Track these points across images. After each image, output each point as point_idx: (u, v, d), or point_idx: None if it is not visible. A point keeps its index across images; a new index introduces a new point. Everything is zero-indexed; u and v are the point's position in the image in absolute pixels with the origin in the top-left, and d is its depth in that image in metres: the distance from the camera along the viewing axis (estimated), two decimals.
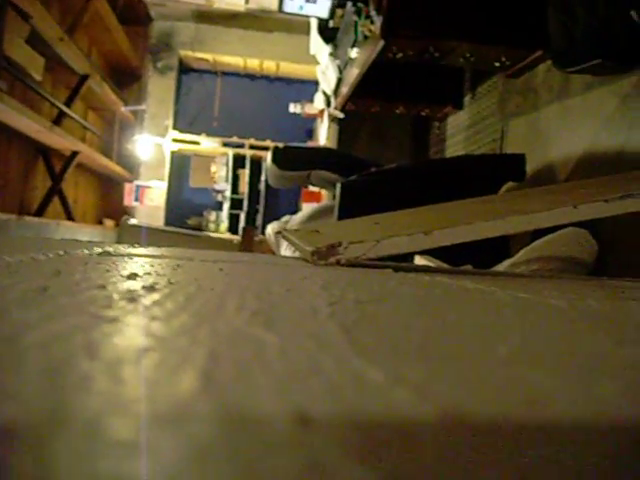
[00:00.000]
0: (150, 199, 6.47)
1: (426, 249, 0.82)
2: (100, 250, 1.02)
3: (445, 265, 1.95)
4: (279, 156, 3.82)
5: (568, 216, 0.83)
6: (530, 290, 0.77)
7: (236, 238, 2.46)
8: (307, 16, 4.60)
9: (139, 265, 0.79)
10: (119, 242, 2.08)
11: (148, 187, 6.48)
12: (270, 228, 3.60)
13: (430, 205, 1.20)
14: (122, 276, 0.61)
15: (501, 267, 2.01)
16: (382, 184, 2.80)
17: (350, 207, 2.75)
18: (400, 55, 3.61)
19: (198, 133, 6.64)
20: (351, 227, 1.07)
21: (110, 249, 1.07)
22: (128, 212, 6.50)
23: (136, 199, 6.41)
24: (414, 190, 2.81)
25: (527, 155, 3.04)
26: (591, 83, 2.95)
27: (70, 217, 4.91)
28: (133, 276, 0.60)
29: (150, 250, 1.17)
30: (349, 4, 3.86)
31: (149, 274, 0.65)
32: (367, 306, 0.51)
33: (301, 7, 4.43)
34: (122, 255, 1.00)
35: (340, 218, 2.71)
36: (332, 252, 0.79)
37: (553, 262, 2.01)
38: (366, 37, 3.66)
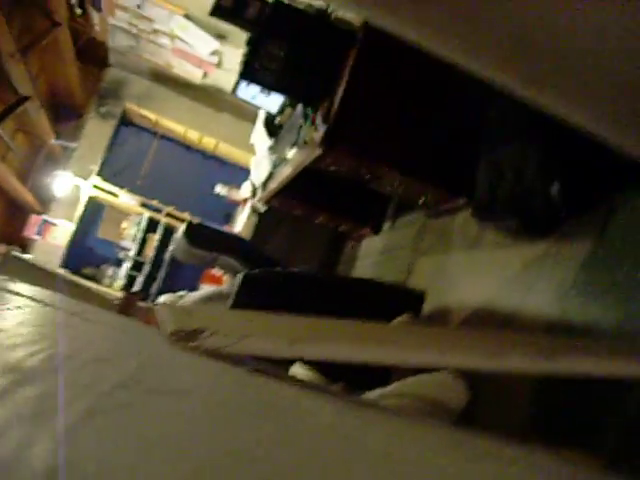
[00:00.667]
0: (53, 237, 6.32)
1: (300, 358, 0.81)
2: None
3: (318, 378, 1.94)
4: (191, 231, 3.81)
5: (434, 360, 0.83)
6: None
7: (118, 298, 2.40)
8: (257, 107, 4.67)
9: None
10: None
11: (54, 224, 6.33)
12: (162, 300, 3.55)
13: (316, 317, 1.19)
14: None
15: (372, 394, 2.00)
16: (282, 285, 2.80)
17: (245, 299, 2.73)
18: (333, 168, 3.68)
19: (120, 186, 6.56)
20: (226, 318, 1.05)
21: None
22: (25, 244, 6.32)
23: (39, 233, 6.23)
24: (310, 299, 2.82)
25: (428, 293, 3.10)
26: (502, 243, 3.06)
27: None
28: None
29: (19, 287, 1.12)
30: (300, 106, 3.94)
31: None
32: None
33: (254, 97, 4.50)
34: None
35: (233, 307, 2.69)
36: (192, 338, 0.77)
37: (420, 402, 2.02)
38: (306, 142, 3.73)
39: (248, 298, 2.76)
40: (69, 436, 0.34)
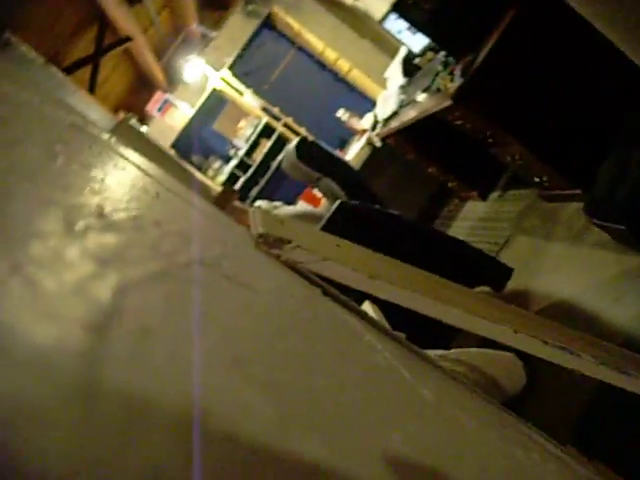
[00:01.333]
0: (172, 117, 6.44)
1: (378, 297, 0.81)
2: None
3: (383, 321, 1.94)
4: (303, 147, 3.82)
5: (504, 337, 0.82)
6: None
7: (217, 191, 2.42)
8: (400, 42, 4.60)
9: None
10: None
11: (175, 106, 6.44)
12: (259, 204, 3.59)
13: (402, 262, 1.18)
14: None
15: (431, 352, 2.00)
16: (377, 223, 2.79)
17: (337, 226, 2.74)
18: (459, 122, 3.62)
19: (247, 86, 6.59)
20: (315, 237, 1.05)
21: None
22: (144, 117, 6.46)
23: (159, 110, 6.36)
24: (401, 244, 2.80)
25: (516, 272, 3.05)
26: (605, 245, 2.97)
27: (91, 90, 4.86)
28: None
29: (128, 153, 1.15)
30: (442, 53, 3.87)
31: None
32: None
33: (400, 31, 4.43)
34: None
35: (323, 231, 2.70)
36: (277, 245, 0.77)
37: (476, 374, 2.01)
38: (439, 90, 3.67)
39: (340, 226, 2.76)
40: (134, 287, 0.35)
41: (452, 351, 2.10)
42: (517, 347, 0.84)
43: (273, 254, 0.76)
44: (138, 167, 1.11)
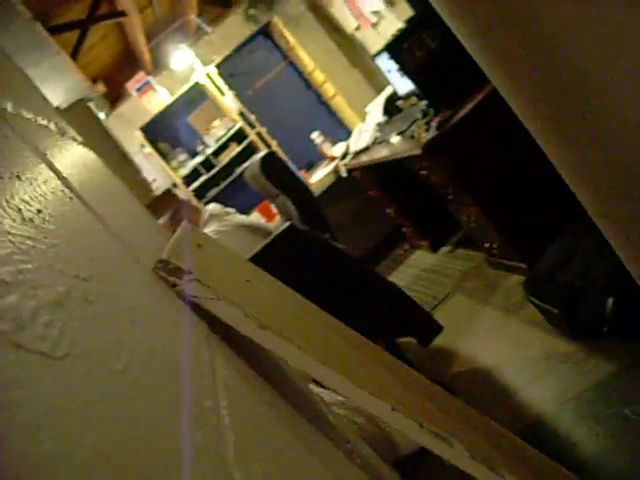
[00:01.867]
0: (149, 100, 6.37)
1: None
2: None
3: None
4: (269, 161, 3.82)
5: (381, 412, 0.81)
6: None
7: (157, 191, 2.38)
8: (388, 81, 4.63)
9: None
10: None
11: (155, 90, 6.38)
12: (212, 207, 3.57)
13: (315, 307, 1.17)
14: None
15: (327, 395, 1.97)
16: (319, 252, 2.80)
17: (280, 247, 2.74)
18: (424, 173, 3.66)
19: (231, 87, 6.57)
20: (228, 267, 1.02)
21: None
22: (121, 93, 6.40)
23: (138, 90, 6.30)
24: (336, 279, 2.81)
25: (446, 330, 3.07)
26: (537, 323, 3.02)
27: (74, 56, 4.80)
28: None
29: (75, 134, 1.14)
30: (424, 102, 3.91)
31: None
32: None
33: (389, 71, 4.46)
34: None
35: (265, 249, 2.70)
36: (176, 274, 0.75)
37: (374, 427, 2.01)
38: (413, 136, 3.70)
39: (283, 248, 2.76)
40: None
41: None
42: (392, 425, 0.83)
43: (169, 282, 0.74)
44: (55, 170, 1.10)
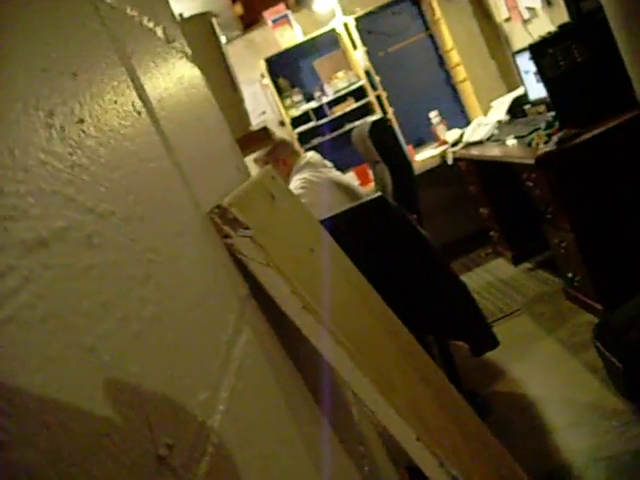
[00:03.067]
0: (281, 34, 6.32)
1: None
2: None
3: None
4: (380, 125, 3.74)
5: (403, 438, 0.74)
6: None
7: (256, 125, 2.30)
8: (521, 82, 4.48)
9: None
10: None
11: (290, 25, 6.32)
12: (311, 154, 3.54)
13: (371, 294, 1.10)
14: None
15: None
16: (400, 232, 2.73)
17: (365, 214, 2.68)
18: (529, 184, 3.53)
19: (364, 43, 6.45)
20: (297, 227, 0.96)
21: None
22: (257, 20, 6.37)
23: (274, 21, 6.25)
24: (409, 264, 2.74)
25: (501, 346, 2.97)
26: (596, 370, 2.89)
27: None
28: None
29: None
30: (551, 113, 3.76)
31: None
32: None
33: (527, 72, 4.31)
34: None
35: (347, 211, 2.65)
36: (231, 224, 0.68)
37: None
38: (530, 144, 3.57)
39: (367, 216, 2.71)
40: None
41: None
42: (410, 454, 0.76)
43: (222, 232, 0.67)
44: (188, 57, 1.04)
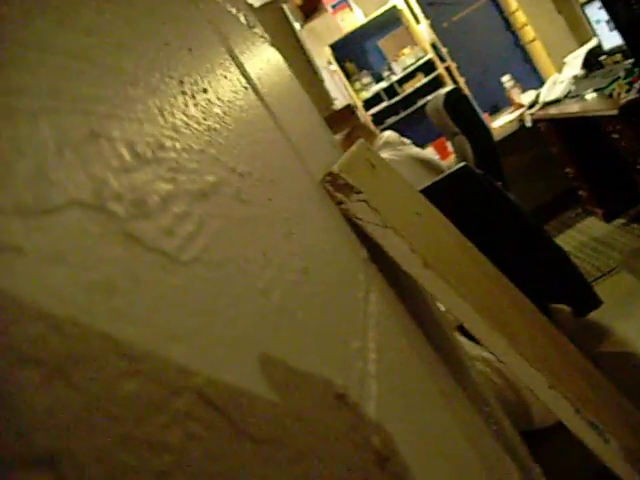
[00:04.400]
0: (342, 18, 6.31)
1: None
2: None
3: None
4: (453, 97, 3.71)
5: (535, 386, 0.73)
6: None
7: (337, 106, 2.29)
8: (595, 33, 4.36)
9: None
10: None
11: (351, 9, 6.32)
12: (388, 133, 3.52)
13: (480, 256, 1.09)
14: None
15: (469, 346, 1.90)
16: (489, 199, 2.69)
17: (451, 186, 2.66)
18: (616, 136, 3.44)
19: (427, 16, 6.39)
20: (400, 195, 0.95)
21: None
22: (316, 7, 6.37)
23: (333, 7, 6.26)
24: (501, 231, 2.71)
25: (603, 306, 2.90)
26: None
27: None
28: None
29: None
30: (630, 60, 3.64)
31: None
32: None
33: (598, 21, 4.19)
34: None
35: (434, 185, 2.63)
36: (344, 191, 0.68)
37: (509, 390, 1.93)
38: (611, 95, 3.47)
39: (454, 188, 2.68)
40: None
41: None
42: (545, 403, 0.75)
43: (336, 198, 0.68)
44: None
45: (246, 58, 0.70)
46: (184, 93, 0.38)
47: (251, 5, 1.88)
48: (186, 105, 0.37)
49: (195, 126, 0.37)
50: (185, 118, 0.36)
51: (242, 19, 0.95)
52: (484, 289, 0.87)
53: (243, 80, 0.58)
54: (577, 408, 0.76)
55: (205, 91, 0.42)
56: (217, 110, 0.42)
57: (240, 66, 0.62)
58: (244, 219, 0.37)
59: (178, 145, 0.33)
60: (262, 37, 1.09)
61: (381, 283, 0.68)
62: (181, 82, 0.39)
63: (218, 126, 0.40)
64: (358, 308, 0.50)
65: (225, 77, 0.52)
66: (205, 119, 0.39)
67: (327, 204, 0.65)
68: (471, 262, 0.98)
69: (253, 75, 0.66)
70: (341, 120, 2.14)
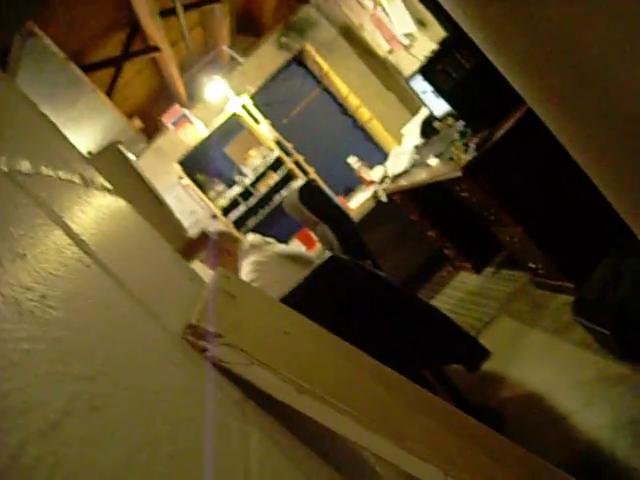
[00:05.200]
0: (185, 133, 6.42)
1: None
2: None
3: None
4: (308, 190, 3.80)
5: (433, 478, 0.76)
6: None
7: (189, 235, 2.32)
8: (423, 103, 4.59)
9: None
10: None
11: (191, 122, 6.42)
12: (251, 237, 3.55)
13: (358, 351, 1.12)
14: None
15: None
16: (361, 282, 2.75)
17: (321, 277, 2.70)
18: (465, 195, 3.60)
19: (266, 117, 6.58)
20: (266, 315, 0.98)
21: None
22: (158, 127, 6.45)
23: (174, 123, 6.34)
24: (379, 310, 2.76)
25: (494, 354, 2.99)
26: (587, 345, 2.93)
27: (109, 94, 4.84)
28: None
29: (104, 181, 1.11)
30: (461, 123, 3.86)
31: None
32: None
33: (424, 92, 4.42)
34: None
35: (306, 281, 2.67)
36: (205, 338, 0.70)
37: None
38: (452, 158, 3.65)
39: (324, 279, 2.73)
40: None
41: None
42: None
43: (199, 347, 0.69)
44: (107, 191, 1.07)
45: (86, 228, 0.71)
46: (21, 313, 0.39)
47: (90, 152, 1.90)
48: (20, 321, 0.38)
49: (38, 347, 0.37)
50: (27, 345, 0.36)
51: (77, 180, 0.96)
52: (364, 391, 0.89)
53: (86, 258, 0.59)
54: None
55: (44, 297, 0.42)
56: (58, 314, 0.43)
57: (80, 243, 0.62)
58: (101, 430, 0.37)
59: (21, 382, 0.33)
60: (102, 189, 1.10)
61: (261, 419, 0.68)
62: (18, 301, 0.39)
63: (63, 333, 0.41)
64: (234, 463, 0.51)
65: (65, 265, 0.52)
66: (46, 332, 0.39)
67: (190, 355, 0.66)
68: (346, 364, 1.00)
69: (95, 245, 0.67)
70: (198, 246, 2.16)
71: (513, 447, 1.18)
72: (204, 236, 2.14)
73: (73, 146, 1.25)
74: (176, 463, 0.42)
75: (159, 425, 0.44)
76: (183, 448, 0.45)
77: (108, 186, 1.18)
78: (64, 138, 1.23)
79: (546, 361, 3.22)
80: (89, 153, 1.82)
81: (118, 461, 0.36)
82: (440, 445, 0.85)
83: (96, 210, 0.88)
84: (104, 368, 0.43)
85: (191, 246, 2.05)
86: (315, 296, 2.65)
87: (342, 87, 6.85)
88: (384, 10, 5.42)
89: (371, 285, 2.79)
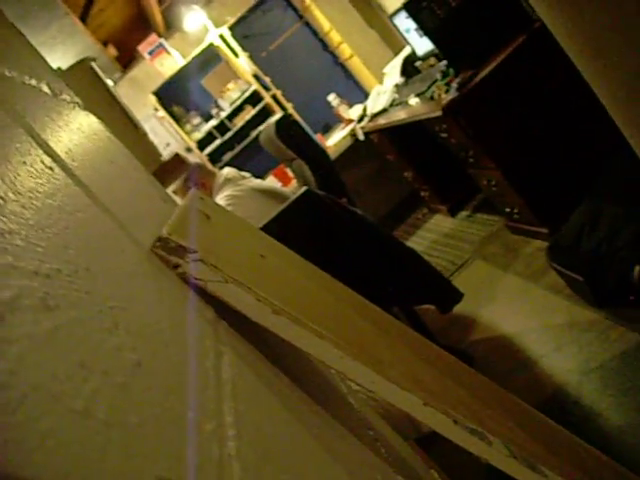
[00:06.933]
0: (161, 63, 6.28)
1: None
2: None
3: None
4: (284, 124, 3.73)
5: (411, 407, 0.73)
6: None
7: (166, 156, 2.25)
8: (407, 41, 4.51)
9: None
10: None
11: (168, 53, 6.28)
12: (227, 170, 3.50)
13: (335, 282, 1.09)
14: None
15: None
16: (336, 217, 2.71)
17: (297, 212, 2.66)
18: (444, 135, 3.56)
19: (244, 49, 6.46)
20: (242, 238, 0.94)
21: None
22: (133, 56, 6.31)
23: (150, 53, 6.20)
24: (353, 245, 2.74)
25: (466, 297, 2.98)
26: (560, 290, 2.94)
27: (83, 19, 4.69)
28: None
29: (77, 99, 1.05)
30: (444, 62, 3.79)
31: None
32: None
33: (407, 30, 4.33)
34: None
35: (281, 215, 2.63)
36: (177, 253, 0.66)
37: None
38: (432, 98, 3.60)
39: (300, 213, 2.69)
40: None
41: None
42: (424, 421, 0.75)
43: (170, 262, 0.65)
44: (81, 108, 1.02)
45: (50, 133, 0.66)
46: None
47: (59, 68, 1.82)
48: None
49: None
50: None
51: (45, 88, 0.90)
52: (342, 319, 0.86)
53: (47, 160, 0.55)
54: (455, 419, 0.76)
55: None
56: (13, 207, 0.39)
57: (43, 145, 0.58)
58: (53, 330, 0.33)
59: None
60: (72, 102, 1.04)
61: (235, 341, 0.65)
62: None
63: (14, 226, 0.37)
64: (208, 383, 0.47)
65: (24, 163, 0.48)
66: None
67: (162, 271, 0.62)
68: (325, 293, 0.97)
69: (60, 151, 0.62)
70: (172, 170, 2.10)
71: (488, 382, 1.17)
72: (177, 158, 2.08)
73: (42, 57, 1.19)
74: (141, 373, 0.38)
75: (122, 334, 0.40)
76: (150, 360, 0.41)
77: (78, 101, 1.13)
78: (32, 47, 1.17)
79: (518, 305, 3.23)
80: (58, 69, 1.75)
81: (72, 363, 0.32)
82: (419, 375, 0.83)
83: (64, 121, 0.83)
84: (63, 268, 0.39)
85: (165, 170, 2.00)
86: (290, 230, 2.62)
87: (324, 22, 6.71)
88: None
89: (346, 220, 2.76)
